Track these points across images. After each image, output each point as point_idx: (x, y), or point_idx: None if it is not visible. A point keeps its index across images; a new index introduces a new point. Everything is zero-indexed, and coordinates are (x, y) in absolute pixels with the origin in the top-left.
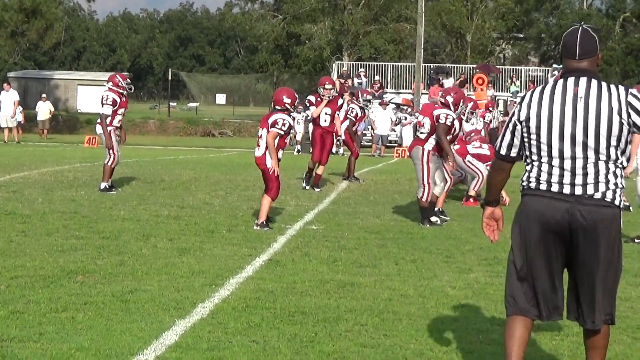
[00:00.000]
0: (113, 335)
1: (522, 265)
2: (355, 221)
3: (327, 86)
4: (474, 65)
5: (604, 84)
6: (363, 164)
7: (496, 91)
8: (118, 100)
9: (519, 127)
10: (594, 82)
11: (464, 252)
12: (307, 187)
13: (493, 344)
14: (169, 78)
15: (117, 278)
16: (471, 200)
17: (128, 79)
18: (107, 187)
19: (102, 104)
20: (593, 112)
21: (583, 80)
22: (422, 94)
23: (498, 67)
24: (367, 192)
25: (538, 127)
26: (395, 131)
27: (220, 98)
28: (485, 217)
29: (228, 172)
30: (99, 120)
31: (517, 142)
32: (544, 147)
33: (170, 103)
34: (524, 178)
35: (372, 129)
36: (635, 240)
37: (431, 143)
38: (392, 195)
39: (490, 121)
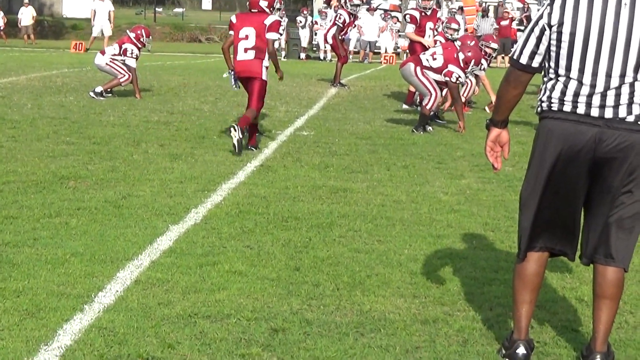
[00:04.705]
0: (107, 240)
1: (541, 198)
2: (346, 127)
3: None
4: None
5: None
6: (351, 71)
7: None
8: (139, 53)
9: (547, 32)
10: None
11: (456, 158)
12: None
13: (486, 249)
14: None
15: (109, 184)
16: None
17: (150, 36)
18: (101, 93)
19: (128, 56)
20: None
21: None
22: None
23: None
24: (356, 98)
25: (572, 34)
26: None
27: (207, 3)
28: (490, 141)
29: (216, 78)
30: (111, 62)
31: (542, 50)
32: (575, 58)
33: (156, 9)
34: (544, 98)
35: (359, 35)
36: None
37: (421, 61)
38: (382, 102)
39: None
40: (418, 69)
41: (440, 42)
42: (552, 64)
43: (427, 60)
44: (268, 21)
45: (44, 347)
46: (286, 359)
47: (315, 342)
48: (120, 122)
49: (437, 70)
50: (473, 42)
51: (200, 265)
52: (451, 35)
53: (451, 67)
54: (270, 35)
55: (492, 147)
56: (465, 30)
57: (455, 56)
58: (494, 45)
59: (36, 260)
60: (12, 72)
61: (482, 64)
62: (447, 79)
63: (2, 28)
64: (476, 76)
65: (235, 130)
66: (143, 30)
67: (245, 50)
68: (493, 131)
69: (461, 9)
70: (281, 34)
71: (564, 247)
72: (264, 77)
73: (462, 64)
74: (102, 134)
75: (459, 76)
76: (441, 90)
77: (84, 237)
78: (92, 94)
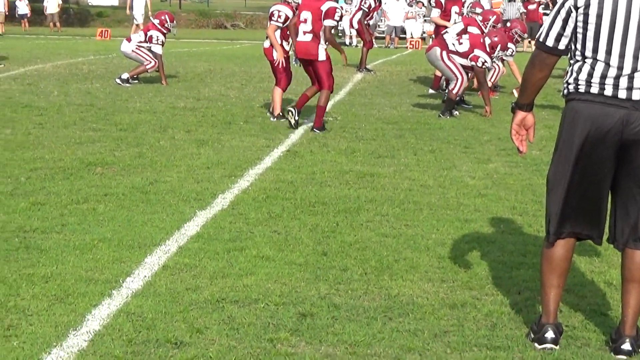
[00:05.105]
0: (135, 226)
1: (569, 181)
2: (372, 112)
3: None
4: None
5: None
6: (377, 56)
7: None
8: (164, 39)
9: (574, 14)
10: None
11: (483, 142)
12: None
13: (514, 233)
14: None
15: (136, 170)
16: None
17: (174, 21)
18: (127, 80)
19: (153, 43)
20: None
21: None
22: None
23: None
24: (382, 83)
25: (599, 16)
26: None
27: None
28: (515, 124)
29: (242, 64)
30: (137, 48)
31: (568, 32)
32: (602, 40)
33: None
34: (570, 80)
35: (384, 20)
36: None
37: (447, 45)
38: (408, 86)
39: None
40: (444, 53)
41: (463, 16)
42: (579, 46)
43: (453, 44)
44: (325, 7)
45: (72, 332)
46: (314, 344)
47: (344, 327)
48: (147, 109)
49: (463, 55)
50: (495, 17)
51: (228, 251)
52: None
53: (477, 52)
54: (327, 22)
55: (518, 130)
56: None
57: (481, 41)
58: (525, 36)
59: (64, 246)
60: (39, 59)
61: (510, 49)
62: (473, 63)
63: (28, 16)
64: (502, 59)
65: (325, 125)
66: (167, 16)
67: (304, 33)
68: (518, 114)
69: None
70: (338, 20)
71: (591, 231)
72: (320, 58)
73: (488, 49)
74: (128, 120)
75: (485, 61)
76: (467, 75)
77: (112, 223)
78: (118, 80)
